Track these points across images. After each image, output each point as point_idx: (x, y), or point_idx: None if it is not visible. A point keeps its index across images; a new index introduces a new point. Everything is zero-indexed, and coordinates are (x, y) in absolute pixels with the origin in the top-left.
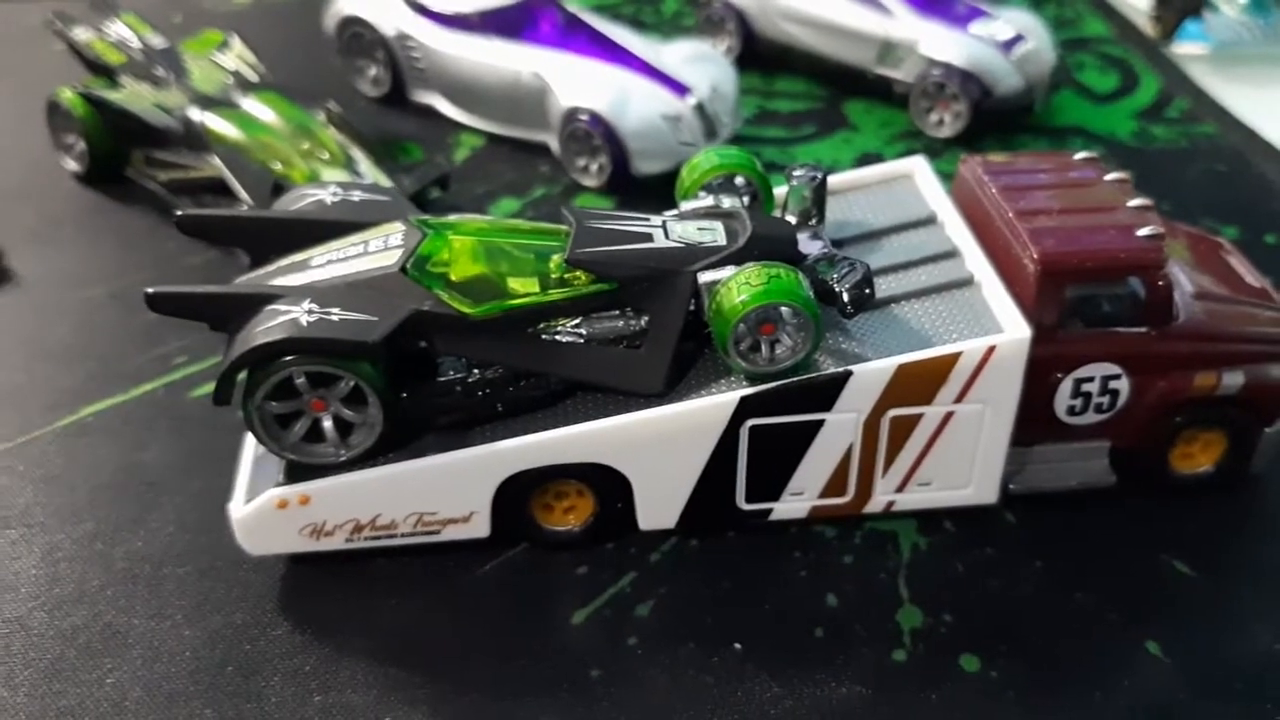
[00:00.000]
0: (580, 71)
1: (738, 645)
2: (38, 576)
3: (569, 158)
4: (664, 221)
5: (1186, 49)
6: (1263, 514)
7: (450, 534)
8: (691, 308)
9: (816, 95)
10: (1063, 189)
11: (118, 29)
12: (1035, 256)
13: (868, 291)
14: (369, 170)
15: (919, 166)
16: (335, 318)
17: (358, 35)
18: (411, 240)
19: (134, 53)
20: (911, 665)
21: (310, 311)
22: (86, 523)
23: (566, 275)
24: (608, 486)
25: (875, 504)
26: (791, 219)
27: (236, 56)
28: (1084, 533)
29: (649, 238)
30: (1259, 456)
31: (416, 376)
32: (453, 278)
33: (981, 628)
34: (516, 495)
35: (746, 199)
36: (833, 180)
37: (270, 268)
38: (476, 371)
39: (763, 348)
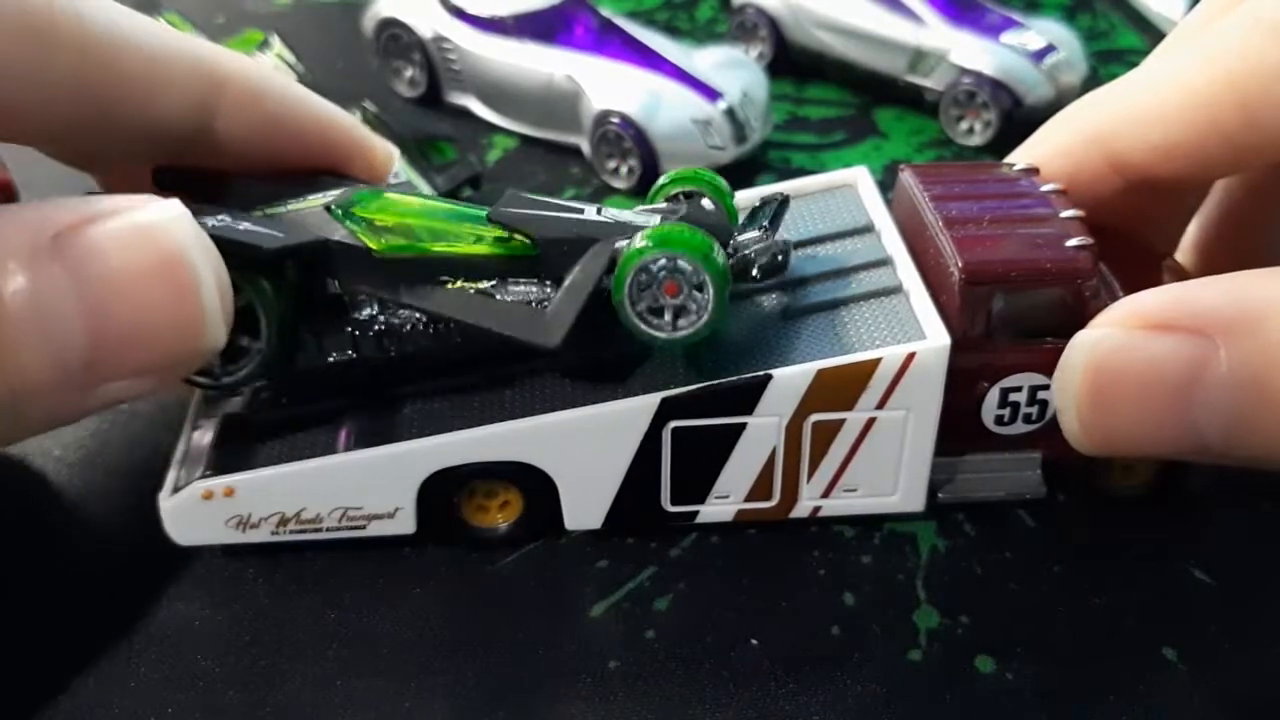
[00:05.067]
0: (612, 75)
1: (754, 641)
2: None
3: (599, 160)
4: (599, 207)
5: None
6: None
7: (376, 529)
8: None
9: (847, 102)
10: (996, 198)
11: None
12: (960, 265)
13: (780, 259)
14: (403, 169)
15: (861, 176)
16: (241, 227)
17: (395, 37)
18: (348, 194)
19: None
20: (927, 665)
21: (220, 219)
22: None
23: (491, 236)
24: (534, 486)
25: (801, 509)
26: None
27: (277, 55)
28: (1103, 538)
29: (580, 212)
30: (1196, 472)
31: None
32: (375, 222)
33: (998, 630)
34: (443, 492)
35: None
36: (774, 188)
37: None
38: (379, 315)
39: (666, 314)
